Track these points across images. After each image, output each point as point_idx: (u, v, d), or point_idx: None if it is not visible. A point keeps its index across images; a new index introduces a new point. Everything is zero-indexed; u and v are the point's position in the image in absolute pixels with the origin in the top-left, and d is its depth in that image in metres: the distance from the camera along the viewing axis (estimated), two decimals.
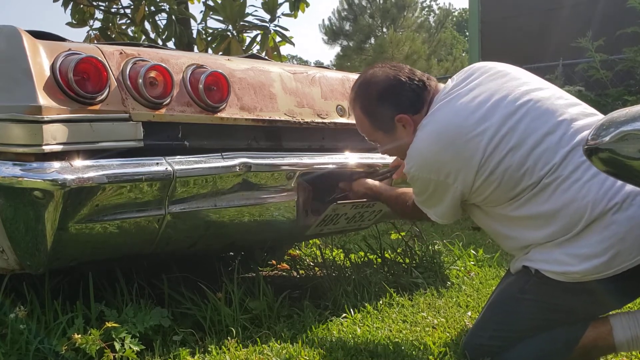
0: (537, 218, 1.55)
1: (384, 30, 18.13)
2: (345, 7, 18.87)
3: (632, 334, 1.56)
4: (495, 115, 1.56)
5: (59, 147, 1.47)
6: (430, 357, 1.71)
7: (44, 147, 1.44)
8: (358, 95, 1.76)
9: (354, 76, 2.35)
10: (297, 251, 3.19)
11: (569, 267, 1.51)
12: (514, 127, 1.55)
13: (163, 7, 4.93)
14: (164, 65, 1.69)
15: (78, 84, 1.52)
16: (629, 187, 1.48)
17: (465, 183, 1.58)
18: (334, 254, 2.99)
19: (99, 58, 1.58)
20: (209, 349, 1.76)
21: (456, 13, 30.31)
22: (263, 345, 1.79)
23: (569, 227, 1.51)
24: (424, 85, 1.71)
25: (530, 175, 1.53)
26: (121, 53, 1.66)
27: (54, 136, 1.46)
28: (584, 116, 1.60)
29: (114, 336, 1.62)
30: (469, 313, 2.15)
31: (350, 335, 1.89)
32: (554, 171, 1.51)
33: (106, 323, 1.63)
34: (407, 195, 1.90)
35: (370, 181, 2.10)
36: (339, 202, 2.08)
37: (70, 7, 5.03)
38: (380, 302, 2.25)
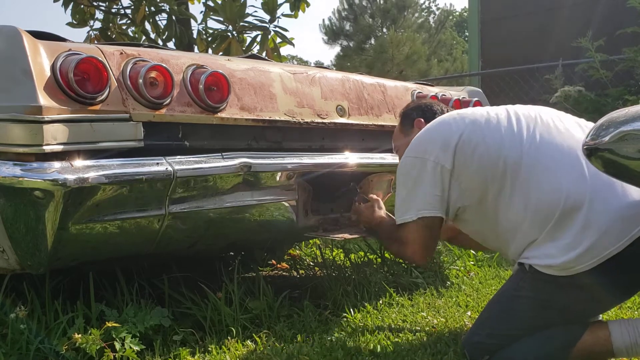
0: (524, 210, 1.58)
1: (384, 30, 18.10)
2: (346, 7, 18.83)
3: (632, 341, 1.57)
4: (479, 111, 1.76)
5: (59, 147, 1.47)
6: (431, 357, 1.71)
7: (44, 147, 1.45)
8: (406, 106, 2.10)
9: (354, 76, 2.35)
10: (297, 251, 3.19)
11: (553, 260, 1.53)
12: (493, 119, 1.70)
13: (163, 8, 4.93)
14: (164, 65, 1.69)
15: (78, 84, 1.52)
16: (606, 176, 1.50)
17: (446, 158, 1.66)
18: (334, 254, 2.99)
19: (100, 58, 1.58)
20: (209, 348, 1.76)
21: (457, 14, 30.29)
22: (263, 345, 1.79)
23: (548, 217, 1.54)
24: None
25: (505, 159, 1.61)
26: (121, 53, 1.66)
27: (54, 136, 1.46)
28: (566, 117, 1.74)
29: (114, 336, 1.63)
30: (469, 313, 2.15)
31: (350, 335, 1.90)
32: (527, 154, 1.60)
33: (106, 323, 1.64)
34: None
35: (379, 212, 2.03)
36: (331, 235, 2.12)
37: (70, 7, 5.03)
38: (380, 302, 2.26)
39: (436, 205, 1.67)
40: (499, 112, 1.72)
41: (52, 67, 1.52)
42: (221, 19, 4.85)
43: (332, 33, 18.97)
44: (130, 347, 1.62)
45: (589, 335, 1.59)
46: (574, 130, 1.66)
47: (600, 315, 1.76)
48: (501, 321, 1.63)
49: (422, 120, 1.92)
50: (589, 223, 1.51)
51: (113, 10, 5.29)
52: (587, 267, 1.51)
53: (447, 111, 1.96)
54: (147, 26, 5.14)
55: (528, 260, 1.59)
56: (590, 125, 1.69)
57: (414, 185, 1.70)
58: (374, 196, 2.12)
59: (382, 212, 2.04)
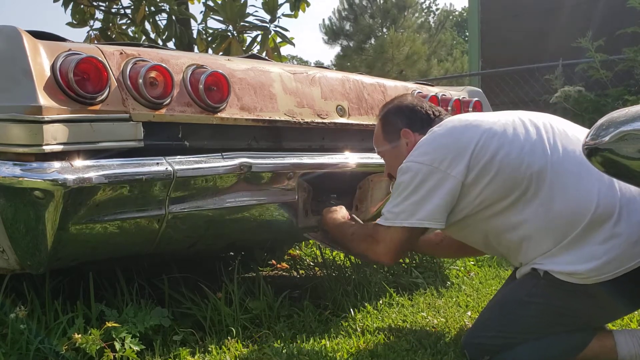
0: (544, 219, 1.56)
1: (384, 30, 18.10)
2: (346, 7, 18.83)
3: (637, 351, 1.58)
4: (491, 118, 1.70)
5: (59, 147, 1.47)
6: (430, 357, 1.71)
7: (44, 147, 1.44)
8: (384, 107, 1.96)
9: (354, 76, 2.35)
10: (297, 251, 3.19)
11: (577, 267, 1.52)
12: (509, 126, 1.64)
13: (163, 8, 4.92)
14: (164, 65, 1.69)
15: (78, 84, 1.52)
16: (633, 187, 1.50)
17: (458, 169, 1.58)
18: (334, 254, 2.99)
19: (99, 58, 1.58)
20: (209, 348, 1.76)
21: (457, 14, 30.28)
22: (263, 345, 1.79)
23: (572, 226, 1.53)
24: (439, 116, 1.86)
25: (529, 165, 1.57)
26: (121, 53, 1.66)
27: (54, 136, 1.46)
28: (574, 125, 1.71)
29: (114, 336, 1.63)
30: (469, 313, 2.15)
31: (350, 335, 1.90)
32: (551, 162, 1.57)
33: (106, 323, 1.64)
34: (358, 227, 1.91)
35: (339, 216, 1.99)
36: (310, 233, 2.13)
37: (70, 7, 5.03)
38: (380, 302, 2.26)
39: (439, 217, 1.61)
40: (513, 119, 1.67)
41: (52, 67, 1.51)
42: (221, 19, 4.85)
43: (332, 33, 18.97)
44: (130, 347, 1.62)
45: (594, 343, 1.59)
46: None
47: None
48: (510, 325, 1.62)
49: (410, 131, 1.82)
50: (617, 233, 1.50)
51: (113, 10, 5.28)
52: (610, 276, 1.50)
53: (432, 110, 1.86)
54: (147, 26, 5.14)
55: (543, 266, 1.57)
56: None
57: (418, 193, 1.61)
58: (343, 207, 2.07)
59: (341, 217, 1.98)
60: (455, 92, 2.74)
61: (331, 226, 1.97)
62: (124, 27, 5.37)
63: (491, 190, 1.59)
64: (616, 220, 1.51)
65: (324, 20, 26.46)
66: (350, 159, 2.14)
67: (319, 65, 13.29)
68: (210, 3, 4.98)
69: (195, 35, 5.07)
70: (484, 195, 1.60)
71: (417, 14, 19.34)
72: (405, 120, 1.85)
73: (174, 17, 4.83)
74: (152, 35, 5.14)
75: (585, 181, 1.55)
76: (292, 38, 4.88)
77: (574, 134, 1.65)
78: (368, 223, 1.96)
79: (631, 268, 1.49)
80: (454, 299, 2.34)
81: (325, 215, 2.02)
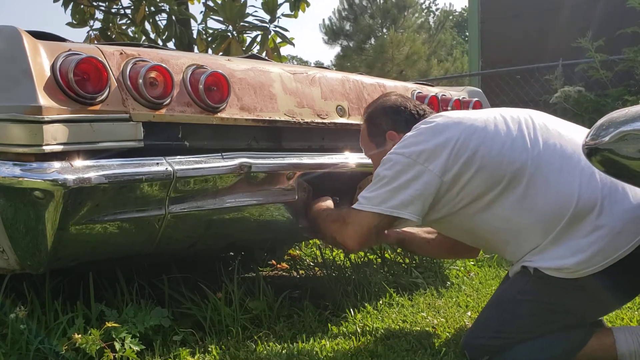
0: (528, 214, 1.57)
1: (384, 30, 18.10)
2: (346, 7, 18.84)
3: (636, 348, 1.58)
4: (472, 115, 1.71)
5: (59, 147, 1.47)
6: (430, 357, 1.71)
7: (44, 147, 1.44)
8: (368, 107, 1.98)
9: (354, 76, 2.35)
10: (297, 251, 3.19)
11: (564, 261, 1.52)
12: (490, 123, 1.65)
13: (163, 8, 4.93)
14: (164, 65, 1.69)
15: (78, 84, 1.52)
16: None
17: (436, 164, 1.60)
18: (334, 254, 2.99)
19: (99, 58, 1.58)
20: (209, 348, 1.76)
21: (457, 14, 30.29)
22: (263, 345, 1.79)
23: (555, 221, 1.53)
24: (424, 115, 1.86)
25: (510, 161, 1.58)
26: (121, 53, 1.66)
27: (54, 136, 1.46)
28: (556, 120, 1.72)
29: (114, 336, 1.63)
30: (469, 313, 2.15)
31: (350, 335, 1.90)
32: (532, 157, 1.57)
33: (106, 323, 1.64)
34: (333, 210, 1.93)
35: (321, 203, 2.00)
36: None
37: (70, 7, 5.03)
38: (380, 302, 2.26)
39: (411, 209, 1.62)
40: (495, 116, 1.68)
41: (52, 67, 1.51)
42: (221, 19, 4.85)
43: (332, 33, 18.97)
44: (130, 347, 1.62)
45: (594, 341, 1.60)
46: (572, 133, 1.66)
47: (604, 320, 1.78)
48: (506, 325, 1.62)
49: (395, 133, 1.83)
50: (601, 224, 1.51)
51: (113, 10, 5.28)
52: (598, 269, 1.50)
53: (416, 110, 1.86)
54: (147, 26, 5.14)
55: (532, 263, 1.58)
56: (581, 127, 1.71)
57: (393, 183, 1.63)
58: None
59: (324, 204, 2.00)
60: (455, 92, 2.74)
61: (312, 211, 1.99)
62: (124, 27, 5.37)
63: (472, 187, 1.60)
64: (598, 212, 1.52)
65: (324, 20, 26.45)
66: (350, 159, 2.14)
67: (319, 65, 13.30)
68: (210, 3, 4.99)
69: (195, 36, 5.07)
70: (466, 191, 1.61)
71: (417, 14, 19.33)
72: (390, 122, 1.86)
73: (174, 17, 4.83)
74: (152, 36, 5.14)
75: (565, 175, 1.56)
76: (292, 38, 4.89)
77: (554, 128, 1.66)
78: (343, 206, 1.97)
79: (618, 258, 1.50)
80: (454, 299, 2.34)
81: (312, 203, 2.03)
